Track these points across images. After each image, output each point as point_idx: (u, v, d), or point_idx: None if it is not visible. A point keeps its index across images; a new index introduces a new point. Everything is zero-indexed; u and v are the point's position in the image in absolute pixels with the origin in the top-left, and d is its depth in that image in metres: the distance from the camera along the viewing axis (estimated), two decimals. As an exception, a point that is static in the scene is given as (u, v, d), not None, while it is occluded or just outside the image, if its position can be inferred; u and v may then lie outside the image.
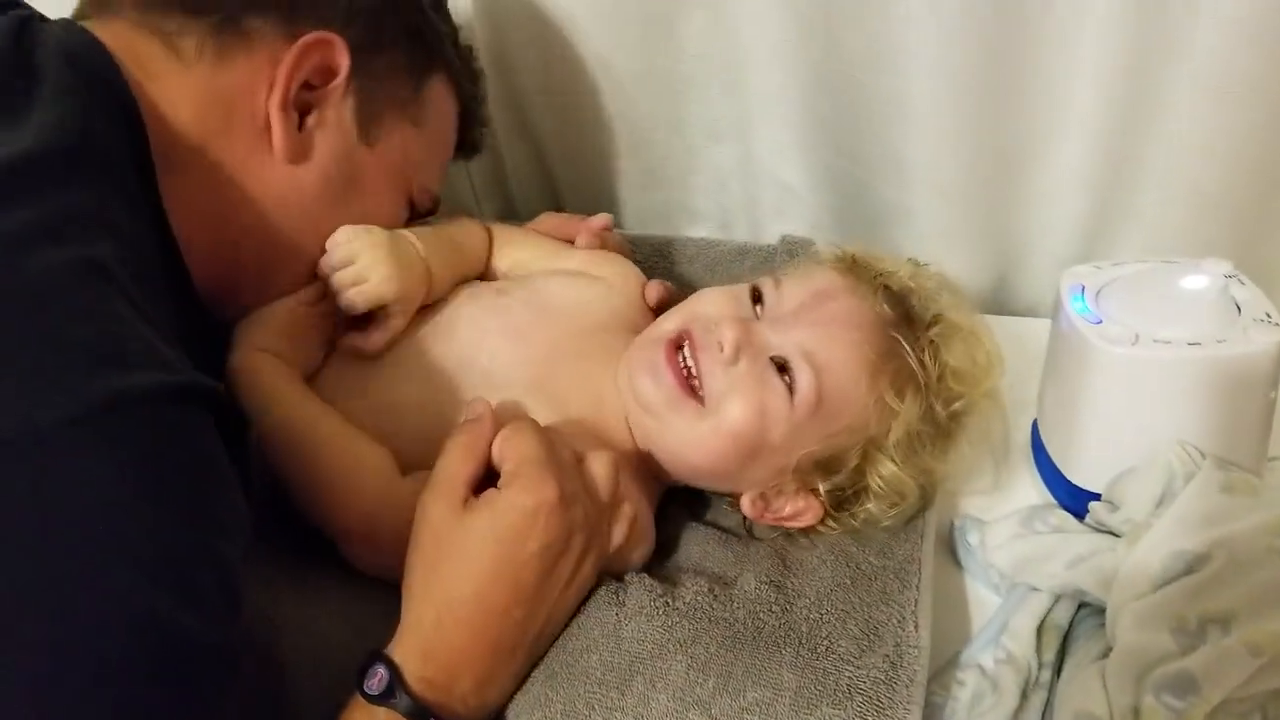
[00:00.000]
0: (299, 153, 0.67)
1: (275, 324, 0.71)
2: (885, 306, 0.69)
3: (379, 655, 0.57)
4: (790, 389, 0.66)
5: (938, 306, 0.71)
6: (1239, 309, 0.65)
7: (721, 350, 0.66)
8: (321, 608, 0.64)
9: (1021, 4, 0.80)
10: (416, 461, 0.66)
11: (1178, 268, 0.66)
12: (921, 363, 0.68)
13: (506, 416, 0.64)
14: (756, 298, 0.71)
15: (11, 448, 0.42)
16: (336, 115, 0.69)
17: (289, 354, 0.71)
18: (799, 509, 0.69)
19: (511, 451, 0.61)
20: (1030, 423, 0.77)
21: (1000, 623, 0.64)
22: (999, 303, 0.99)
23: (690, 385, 0.68)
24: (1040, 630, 0.63)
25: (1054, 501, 0.73)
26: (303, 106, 0.67)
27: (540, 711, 0.59)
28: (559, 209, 1.03)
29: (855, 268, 0.73)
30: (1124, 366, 0.64)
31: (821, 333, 0.67)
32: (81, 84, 0.57)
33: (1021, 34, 0.81)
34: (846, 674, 0.58)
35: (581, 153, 1.06)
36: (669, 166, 1.05)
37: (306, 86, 0.67)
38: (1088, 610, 0.65)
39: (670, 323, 0.71)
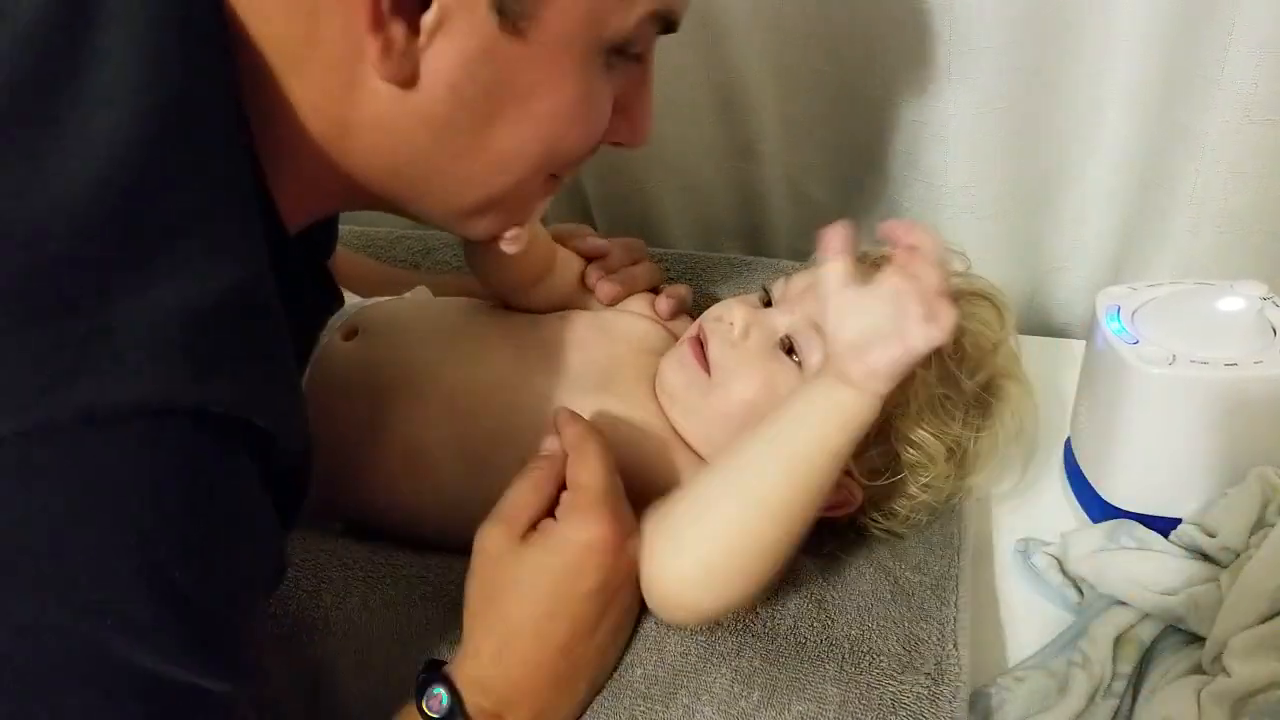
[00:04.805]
0: (405, 73, 0.48)
1: None
2: None
3: (441, 675, 0.57)
4: (800, 366, 0.68)
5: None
6: (1274, 330, 0.66)
7: (732, 328, 0.69)
8: (369, 613, 0.64)
9: (1055, 27, 0.81)
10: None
11: (1213, 289, 0.67)
12: None
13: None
14: (768, 301, 0.73)
15: None
16: (463, 4, 0.46)
17: None
18: (840, 499, 0.68)
19: (572, 478, 0.60)
20: (1064, 441, 0.78)
21: (1079, 628, 0.64)
22: (1030, 323, 0.99)
23: (705, 362, 0.70)
24: (1119, 641, 0.62)
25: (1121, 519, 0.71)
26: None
27: (585, 726, 0.59)
28: (591, 225, 1.04)
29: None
30: (1161, 387, 0.64)
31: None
32: None
33: (1055, 57, 0.82)
34: (890, 689, 0.59)
35: (614, 172, 1.07)
36: (700, 185, 1.05)
37: None
38: (1173, 630, 0.64)
39: (691, 327, 0.74)
